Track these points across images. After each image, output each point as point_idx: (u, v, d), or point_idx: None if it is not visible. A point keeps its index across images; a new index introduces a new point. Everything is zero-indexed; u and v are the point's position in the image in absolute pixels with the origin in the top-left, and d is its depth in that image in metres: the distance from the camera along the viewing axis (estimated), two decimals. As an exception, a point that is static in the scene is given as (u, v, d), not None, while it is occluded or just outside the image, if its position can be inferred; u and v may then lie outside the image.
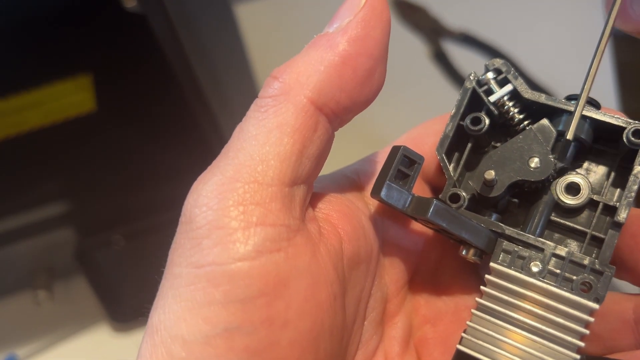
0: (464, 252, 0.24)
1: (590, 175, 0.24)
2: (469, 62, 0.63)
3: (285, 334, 0.19)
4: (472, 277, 0.25)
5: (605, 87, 0.57)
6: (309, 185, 0.21)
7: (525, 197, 0.24)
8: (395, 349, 0.24)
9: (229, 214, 0.19)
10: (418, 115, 0.63)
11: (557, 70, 0.60)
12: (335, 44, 0.20)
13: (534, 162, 0.23)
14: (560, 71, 0.60)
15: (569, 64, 0.60)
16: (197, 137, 0.42)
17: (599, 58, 0.22)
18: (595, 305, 0.21)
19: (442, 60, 0.63)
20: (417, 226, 0.25)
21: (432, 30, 0.66)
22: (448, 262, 0.26)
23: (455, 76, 0.62)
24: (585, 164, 0.24)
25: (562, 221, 0.24)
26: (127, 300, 0.50)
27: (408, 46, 0.65)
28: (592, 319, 0.21)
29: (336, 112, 0.21)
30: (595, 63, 0.22)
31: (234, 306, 0.18)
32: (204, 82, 0.38)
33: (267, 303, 0.19)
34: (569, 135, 0.22)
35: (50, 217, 0.50)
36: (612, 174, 0.24)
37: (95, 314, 0.52)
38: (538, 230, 0.23)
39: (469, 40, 0.64)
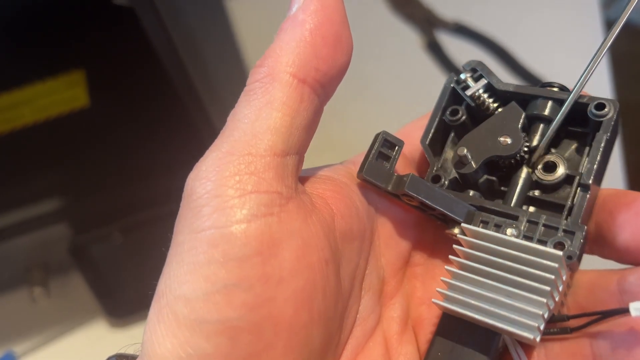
0: (449, 230, 0.25)
1: (566, 155, 0.26)
2: (463, 52, 0.63)
3: (280, 291, 0.20)
4: None
5: (601, 77, 0.57)
6: (300, 156, 0.23)
7: (502, 175, 0.26)
8: (394, 329, 0.25)
9: (226, 183, 0.21)
10: (412, 105, 0.63)
11: (550, 60, 0.60)
12: (300, 22, 0.22)
13: (505, 139, 0.25)
14: (553, 61, 0.60)
15: (561, 53, 0.60)
16: (190, 130, 0.41)
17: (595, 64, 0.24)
18: (558, 254, 0.22)
19: (435, 50, 0.63)
20: (411, 212, 0.26)
21: (425, 21, 0.66)
22: (442, 247, 0.27)
23: (449, 66, 0.62)
24: (562, 144, 0.26)
25: (541, 197, 0.25)
26: (123, 295, 0.50)
27: (401, 37, 0.65)
28: (555, 264, 0.22)
29: (318, 80, 0.23)
30: (589, 69, 0.24)
31: (232, 264, 0.20)
32: (195, 76, 0.38)
33: (262, 261, 0.20)
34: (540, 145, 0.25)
35: (45, 213, 0.49)
36: (586, 151, 0.25)
37: (91, 310, 0.52)
38: (514, 203, 0.25)
39: (462, 31, 0.64)
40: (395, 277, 0.26)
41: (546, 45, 0.62)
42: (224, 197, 0.20)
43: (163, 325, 0.20)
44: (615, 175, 0.54)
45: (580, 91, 0.25)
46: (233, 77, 0.55)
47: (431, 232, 0.27)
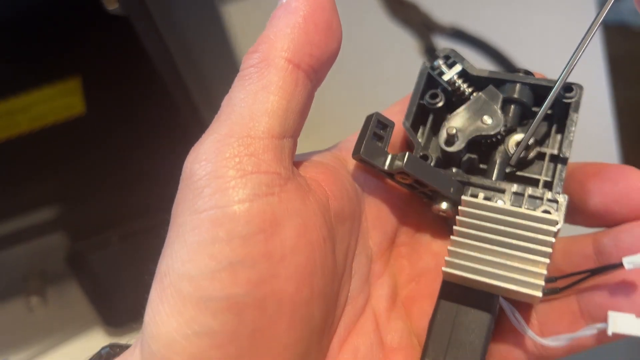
0: (436, 206, 0.26)
1: (535, 133, 0.28)
2: (460, 56, 0.63)
3: (282, 268, 0.21)
4: (448, 237, 0.28)
5: (598, 78, 0.57)
6: (295, 139, 0.24)
7: (482, 153, 0.28)
8: (382, 305, 0.26)
9: (226, 164, 0.21)
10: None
11: (548, 63, 0.60)
12: (293, 9, 0.23)
13: (487, 119, 0.27)
14: (551, 64, 0.60)
15: (559, 57, 0.60)
16: (186, 136, 0.41)
17: (584, 46, 0.26)
18: (555, 219, 0.24)
19: (433, 55, 0.63)
20: (396, 192, 0.28)
21: (422, 26, 0.66)
22: (426, 227, 0.28)
23: (446, 71, 0.62)
24: (530, 124, 0.27)
25: (517, 173, 0.28)
26: (121, 305, 0.50)
27: (399, 42, 0.65)
28: (555, 229, 0.24)
29: (312, 65, 0.23)
30: (579, 51, 0.26)
31: (236, 242, 0.20)
32: (191, 82, 0.38)
33: (265, 239, 0.21)
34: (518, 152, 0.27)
35: (42, 221, 0.49)
36: (553, 130, 0.28)
37: (89, 319, 0.52)
38: (495, 178, 0.27)
39: (459, 36, 0.64)
40: (382, 257, 0.27)
41: (543, 48, 0.62)
42: (225, 178, 0.21)
43: (167, 305, 0.20)
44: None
45: (565, 80, 0.26)
46: (228, 83, 0.55)
47: (414, 213, 0.28)
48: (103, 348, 0.26)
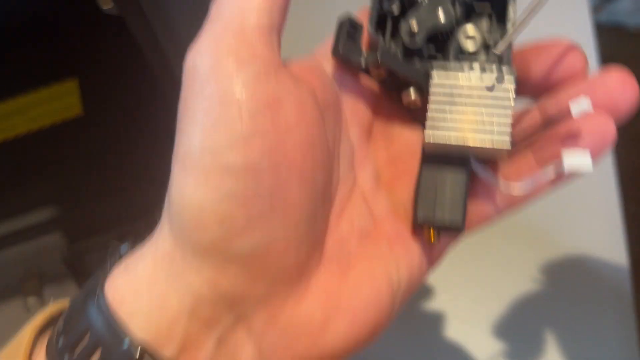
0: (406, 94, 0.29)
1: (478, 26, 0.31)
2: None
3: (289, 138, 0.24)
4: (417, 125, 0.32)
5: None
6: (279, 36, 0.26)
7: (438, 45, 0.31)
8: (368, 185, 0.30)
9: (226, 54, 0.24)
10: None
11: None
12: None
13: (441, 15, 0.30)
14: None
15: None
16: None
17: None
18: (512, 85, 0.28)
19: None
20: (368, 89, 0.31)
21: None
22: (396, 117, 0.32)
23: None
24: (473, 19, 0.31)
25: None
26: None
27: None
28: (513, 94, 0.28)
29: None
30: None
31: (246, 117, 0.23)
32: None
33: (271, 114, 0.24)
34: (498, 50, 0.30)
35: (40, 222, 0.49)
36: (493, 23, 0.31)
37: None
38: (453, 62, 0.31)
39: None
40: (362, 146, 0.30)
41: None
42: (226, 66, 0.23)
43: (192, 178, 0.23)
44: (609, 177, 0.54)
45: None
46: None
47: (385, 107, 0.31)
48: (122, 245, 0.28)
